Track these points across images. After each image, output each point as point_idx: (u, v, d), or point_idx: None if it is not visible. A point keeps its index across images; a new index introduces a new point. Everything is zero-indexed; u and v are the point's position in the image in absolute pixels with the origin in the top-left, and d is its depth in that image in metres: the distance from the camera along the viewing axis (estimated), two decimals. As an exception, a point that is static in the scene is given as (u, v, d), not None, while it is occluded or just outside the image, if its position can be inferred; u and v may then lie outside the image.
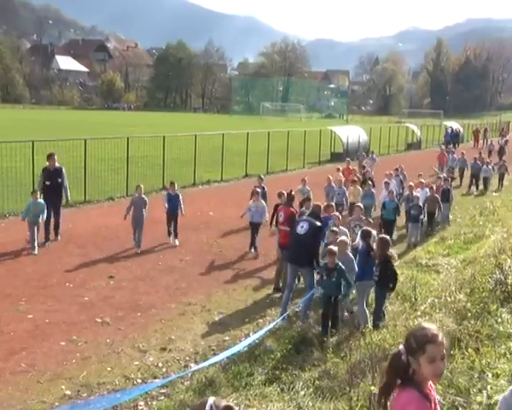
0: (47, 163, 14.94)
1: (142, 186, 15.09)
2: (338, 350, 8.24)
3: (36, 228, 13.86)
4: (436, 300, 9.29)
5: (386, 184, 17.52)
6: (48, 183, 14.66)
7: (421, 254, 14.37)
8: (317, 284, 10.13)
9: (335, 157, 37.84)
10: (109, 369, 8.22)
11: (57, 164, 15.05)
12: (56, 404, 7.22)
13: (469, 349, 6.73)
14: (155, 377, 8.03)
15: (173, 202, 15.10)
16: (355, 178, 19.43)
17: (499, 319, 7.79)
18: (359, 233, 10.92)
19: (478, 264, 11.50)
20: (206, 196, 22.78)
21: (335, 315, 9.50)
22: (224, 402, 3.00)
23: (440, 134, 55.50)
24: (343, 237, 10.54)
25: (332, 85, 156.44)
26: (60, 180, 14.99)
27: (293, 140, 33.55)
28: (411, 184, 18.24)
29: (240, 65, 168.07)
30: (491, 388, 5.76)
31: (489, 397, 5.58)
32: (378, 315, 9.47)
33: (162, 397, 7.48)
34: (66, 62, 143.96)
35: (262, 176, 18.66)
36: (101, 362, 8.40)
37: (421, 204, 16.77)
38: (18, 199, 18.48)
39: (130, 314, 10.25)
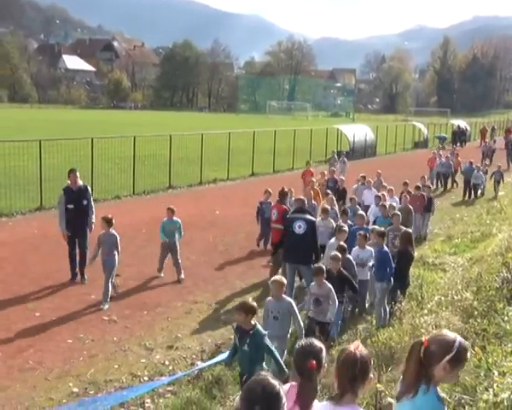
0: (68, 181, 12.11)
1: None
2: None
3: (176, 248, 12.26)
4: (443, 298, 9.28)
5: (377, 198, 14.85)
6: (70, 206, 11.68)
7: (428, 253, 14.34)
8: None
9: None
10: (116, 367, 8.25)
11: (80, 181, 12.20)
12: (64, 401, 7.27)
13: (476, 348, 6.71)
14: (162, 375, 8.06)
15: (170, 231, 12.31)
16: (327, 193, 15.84)
17: (506, 318, 7.77)
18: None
19: (485, 262, 11.47)
20: (213, 195, 22.80)
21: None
22: None
23: (447, 132, 55.28)
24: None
25: (338, 84, 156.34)
26: (85, 202, 12.00)
27: (299, 139, 33.55)
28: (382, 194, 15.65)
29: (246, 64, 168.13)
30: (498, 386, 5.75)
31: (495, 395, 5.57)
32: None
33: (169, 395, 7.51)
34: (73, 62, 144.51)
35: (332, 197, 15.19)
36: (108, 360, 8.43)
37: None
38: (25, 198, 18.61)
39: (136, 313, 10.29)
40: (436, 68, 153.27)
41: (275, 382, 2.87)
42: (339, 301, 8.50)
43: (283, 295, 7.48)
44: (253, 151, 29.23)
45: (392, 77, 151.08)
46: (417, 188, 17.43)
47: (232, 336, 9.25)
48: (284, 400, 2.85)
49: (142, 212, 18.54)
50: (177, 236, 12.34)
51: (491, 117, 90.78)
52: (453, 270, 12.57)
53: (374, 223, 13.11)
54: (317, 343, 3.67)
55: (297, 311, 7.54)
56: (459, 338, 3.47)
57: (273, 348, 6.40)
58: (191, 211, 18.70)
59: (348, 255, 9.75)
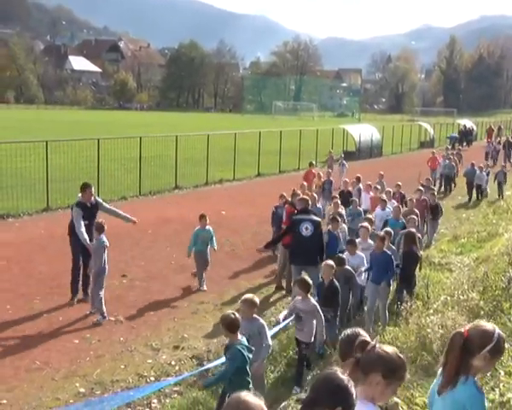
0: (79, 195, 11.10)
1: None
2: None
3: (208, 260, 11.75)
4: (449, 298, 9.27)
5: (383, 202, 14.20)
6: (85, 222, 10.78)
7: (434, 253, 14.31)
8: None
9: (348, 156, 37.77)
10: (123, 367, 8.28)
11: (94, 197, 11.31)
12: (71, 401, 7.29)
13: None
14: (168, 375, 8.08)
15: (204, 240, 11.73)
16: (335, 197, 15.06)
17: (512, 317, 7.77)
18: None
19: (491, 262, 11.45)
20: (219, 196, 22.82)
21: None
22: None
23: (454, 132, 55.13)
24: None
25: (344, 84, 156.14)
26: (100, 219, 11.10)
27: (305, 139, 33.54)
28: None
29: (252, 64, 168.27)
30: (504, 386, 5.75)
31: (501, 395, 5.57)
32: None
33: (175, 395, 7.53)
34: (79, 63, 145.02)
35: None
36: (114, 360, 8.46)
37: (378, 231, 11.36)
38: (32, 199, 18.67)
39: (142, 313, 10.32)
40: (442, 68, 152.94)
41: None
42: (325, 318, 7.96)
43: (255, 316, 6.91)
44: (258, 152, 29.24)
45: (399, 77, 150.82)
46: (419, 191, 15.90)
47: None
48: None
49: (148, 212, 18.55)
50: (209, 246, 11.75)
51: (498, 117, 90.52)
52: (459, 270, 12.54)
53: (384, 226, 12.21)
54: (363, 332, 3.70)
55: (268, 334, 6.89)
56: (497, 329, 3.53)
57: (232, 364, 5.99)
58: (197, 211, 18.70)
59: (347, 266, 9.41)
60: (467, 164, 26.03)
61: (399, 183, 17.13)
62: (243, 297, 7.00)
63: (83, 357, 8.53)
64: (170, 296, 11.22)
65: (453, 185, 25.90)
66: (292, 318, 8.11)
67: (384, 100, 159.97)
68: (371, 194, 16.25)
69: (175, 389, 7.63)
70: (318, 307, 7.84)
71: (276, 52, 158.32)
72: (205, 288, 11.68)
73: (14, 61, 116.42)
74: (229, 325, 6.04)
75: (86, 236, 10.55)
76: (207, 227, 11.73)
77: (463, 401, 3.46)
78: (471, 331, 3.49)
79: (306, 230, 10.36)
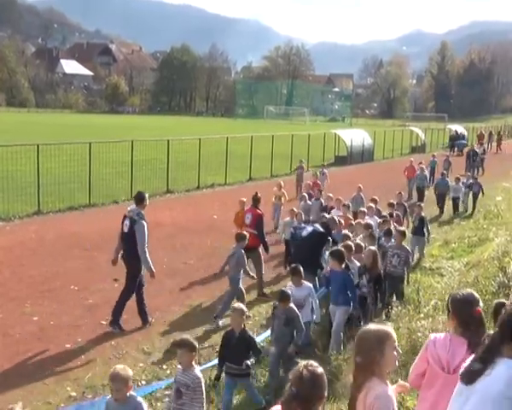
0: (133, 207, 10.31)
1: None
2: (341, 352, 8.26)
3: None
4: (439, 302, 9.31)
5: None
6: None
7: (425, 258, 14.38)
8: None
9: (339, 161, 37.92)
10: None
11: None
12: (62, 405, 7.29)
13: (472, 352, 6.74)
14: (159, 379, 8.08)
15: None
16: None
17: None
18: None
19: (481, 267, 11.51)
20: (210, 200, 22.81)
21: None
22: None
23: (445, 138, 55.37)
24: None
25: (336, 89, 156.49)
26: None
27: (297, 144, 33.60)
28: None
29: (244, 68, 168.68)
30: None
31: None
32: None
33: (166, 399, 7.52)
34: (70, 66, 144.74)
35: None
36: (105, 364, 8.44)
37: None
38: (23, 202, 18.61)
39: (134, 317, 10.29)
40: (434, 73, 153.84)
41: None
42: (229, 382, 7.14)
43: (290, 304, 7.23)
44: (250, 156, 29.26)
45: (390, 82, 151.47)
46: (390, 205, 14.52)
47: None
48: None
49: (139, 216, 18.53)
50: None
51: (489, 122, 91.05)
52: (450, 274, 12.60)
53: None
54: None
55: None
56: None
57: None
58: (189, 216, 18.75)
59: (291, 305, 7.80)
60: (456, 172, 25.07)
61: (375, 197, 15.25)
62: (233, 306, 7.08)
63: (74, 361, 8.51)
64: (161, 300, 11.20)
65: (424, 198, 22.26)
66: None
67: (375, 105, 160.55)
68: (340, 213, 13.83)
69: (166, 392, 7.62)
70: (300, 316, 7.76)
71: (267, 57, 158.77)
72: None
73: (5, 64, 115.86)
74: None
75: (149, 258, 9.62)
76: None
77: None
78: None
79: (306, 231, 10.78)
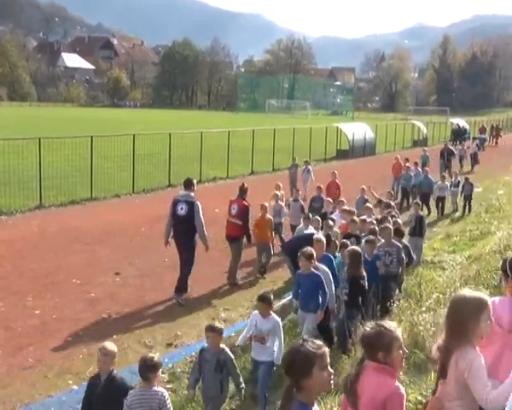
0: (185, 192, 11.25)
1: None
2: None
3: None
4: (441, 296, 9.29)
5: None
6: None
7: (427, 252, 14.36)
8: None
9: (341, 154, 37.91)
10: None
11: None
12: (64, 399, 7.29)
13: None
14: (162, 373, 8.07)
15: None
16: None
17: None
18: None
19: (483, 260, 11.49)
20: (212, 194, 22.77)
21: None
22: None
23: (447, 131, 55.23)
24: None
25: (338, 83, 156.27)
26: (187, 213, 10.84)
27: (298, 137, 33.57)
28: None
29: (245, 62, 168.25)
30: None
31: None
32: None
33: (169, 392, 7.50)
34: (72, 60, 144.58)
35: None
36: (107, 357, 8.44)
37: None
38: (25, 196, 18.62)
39: (136, 310, 10.31)
40: (435, 67, 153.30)
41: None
42: None
43: (222, 345, 6.33)
44: (252, 150, 29.24)
45: (392, 75, 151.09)
46: (367, 209, 12.79)
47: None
48: None
49: (141, 210, 18.56)
50: None
51: (491, 116, 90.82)
52: (452, 268, 12.58)
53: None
54: None
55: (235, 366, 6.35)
56: None
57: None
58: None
59: (224, 346, 6.54)
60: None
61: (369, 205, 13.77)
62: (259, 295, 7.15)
63: (76, 354, 8.53)
64: (163, 294, 11.21)
65: (410, 199, 20.84)
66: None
67: (377, 98, 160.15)
68: (343, 221, 12.52)
69: (168, 386, 7.62)
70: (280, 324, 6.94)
71: (269, 50, 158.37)
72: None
73: (6, 58, 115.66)
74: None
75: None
76: None
77: None
78: None
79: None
